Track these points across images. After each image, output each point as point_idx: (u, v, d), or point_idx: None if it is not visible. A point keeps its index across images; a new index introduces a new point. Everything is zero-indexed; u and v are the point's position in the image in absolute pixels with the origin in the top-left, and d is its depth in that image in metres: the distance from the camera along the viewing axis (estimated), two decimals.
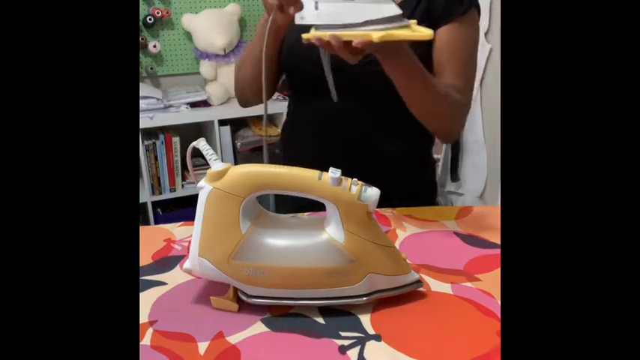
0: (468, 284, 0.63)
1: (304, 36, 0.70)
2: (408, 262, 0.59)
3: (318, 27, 0.69)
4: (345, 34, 0.66)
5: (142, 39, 2.26)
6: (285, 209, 0.85)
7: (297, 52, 0.89)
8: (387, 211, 0.83)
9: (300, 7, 0.70)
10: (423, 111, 0.84)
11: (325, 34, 0.66)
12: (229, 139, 2.26)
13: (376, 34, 0.64)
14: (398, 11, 0.65)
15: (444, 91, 0.83)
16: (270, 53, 0.88)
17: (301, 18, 0.69)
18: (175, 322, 0.57)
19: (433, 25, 0.85)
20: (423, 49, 0.85)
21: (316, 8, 0.67)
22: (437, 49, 0.87)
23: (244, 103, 1.01)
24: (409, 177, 0.95)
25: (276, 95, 2.10)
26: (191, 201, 2.19)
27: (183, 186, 2.23)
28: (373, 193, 0.55)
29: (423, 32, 0.65)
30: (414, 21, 0.67)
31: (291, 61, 0.92)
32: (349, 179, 0.55)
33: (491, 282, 0.63)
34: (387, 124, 0.91)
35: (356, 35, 0.65)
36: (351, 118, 0.89)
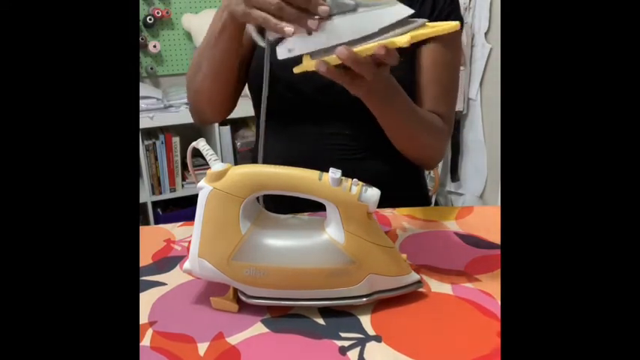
0: (468, 285, 0.63)
1: (297, 70, 0.58)
2: (408, 262, 0.59)
3: (313, 53, 0.56)
4: (361, 49, 0.54)
5: (142, 39, 2.26)
6: (283, 209, 0.83)
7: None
8: (387, 211, 0.83)
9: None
10: (406, 144, 0.81)
11: (332, 58, 0.54)
12: (229, 139, 2.27)
13: (401, 39, 0.53)
14: (409, 10, 0.55)
15: (429, 123, 0.80)
16: (231, 63, 0.76)
17: (289, 50, 0.55)
18: (175, 323, 0.56)
19: (417, 42, 0.82)
20: (404, 70, 0.78)
21: (309, 33, 0.54)
22: (420, 70, 0.83)
23: (202, 121, 0.89)
24: (394, 198, 0.82)
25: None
26: (191, 201, 2.19)
27: (183, 186, 2.24)
28: (373, 193, 0.55)
29: (447, 25, 0.55)
30: (425, 20, 0.57)
31: (260, 87, 0.74)
32: (349, 180, 0.55)
33: (491, 282, 0.63)
34: (368, 145, 0.85)
35: (371, 48, 0.54)
36: (331, 140, 0.84)
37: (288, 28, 0.55)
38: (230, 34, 0.71)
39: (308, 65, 0.57)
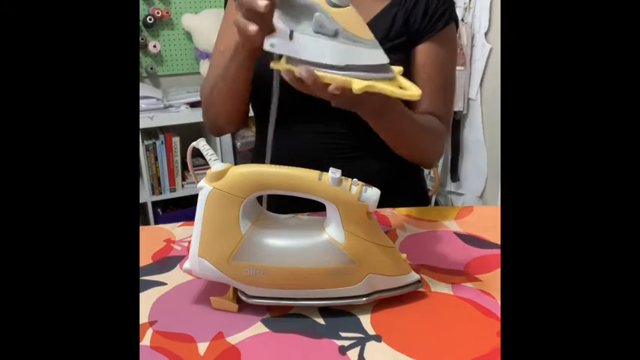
0: (468, 284, 0.63)
1: (273, 64, 0.60)
2: (408, 262, 0.59)
3: (290, 58, 0.58)
4: (323, 75, 0.55)
5: (142, 39, 2.26)
6: (283, 209, 0.83)
7: (265, 77, 0.75)
8: (387, 211, 0.83)
9: (266, 29, 0.58)
10: (404, 151, 0.81)
11: (296, 69, 0.57)
12: (229, 139, 2.27)
13: (357, 84, 0.54)
14: (384, 59, 0.56)
15: (428, 129, 0.79)
16: (247, 78, 0.77)
17: (271, 45, 0.58)
18: (175, 323, 0.56)
19: (412, 41, 0.82)
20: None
21: (290, 38, 0.56)
22: (416, 69, 0.83)
23: (217, 131, 0.91)
24: (394, 198, 0.83)
25: None
26: (191, 201, 2.19)
27: (183, 186, 2.24)
28: (373, 193, 0.55)
29: (412, 91, 0.56)
30: (400, 69, 0.59)
31: (259, 88, 0.79)
32: (349, 179, 0.55)
33: (491, 282, 0.63)
34: (366, 144, 0.84)
35: (334, 79, 0.55)
36: (329, 139, 0.84)
37: (252, 27, 0.58)
38: (246, 51, 0.71)
39: (281, 66, 0.59)
